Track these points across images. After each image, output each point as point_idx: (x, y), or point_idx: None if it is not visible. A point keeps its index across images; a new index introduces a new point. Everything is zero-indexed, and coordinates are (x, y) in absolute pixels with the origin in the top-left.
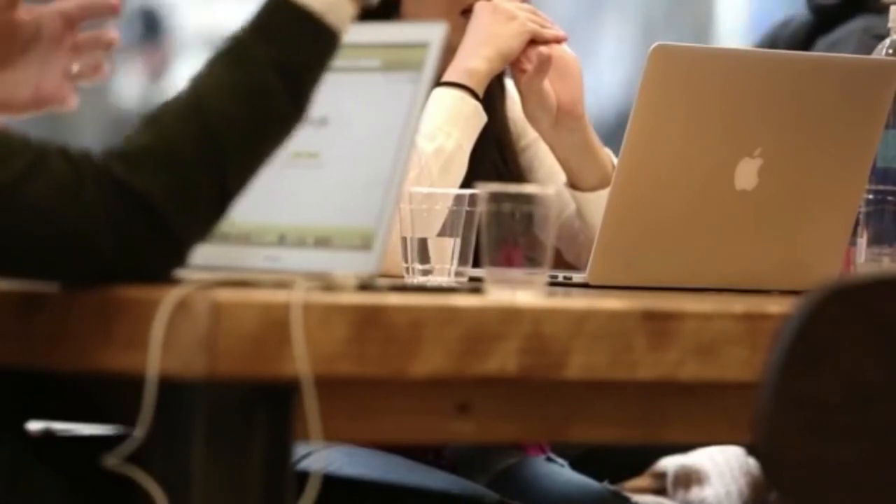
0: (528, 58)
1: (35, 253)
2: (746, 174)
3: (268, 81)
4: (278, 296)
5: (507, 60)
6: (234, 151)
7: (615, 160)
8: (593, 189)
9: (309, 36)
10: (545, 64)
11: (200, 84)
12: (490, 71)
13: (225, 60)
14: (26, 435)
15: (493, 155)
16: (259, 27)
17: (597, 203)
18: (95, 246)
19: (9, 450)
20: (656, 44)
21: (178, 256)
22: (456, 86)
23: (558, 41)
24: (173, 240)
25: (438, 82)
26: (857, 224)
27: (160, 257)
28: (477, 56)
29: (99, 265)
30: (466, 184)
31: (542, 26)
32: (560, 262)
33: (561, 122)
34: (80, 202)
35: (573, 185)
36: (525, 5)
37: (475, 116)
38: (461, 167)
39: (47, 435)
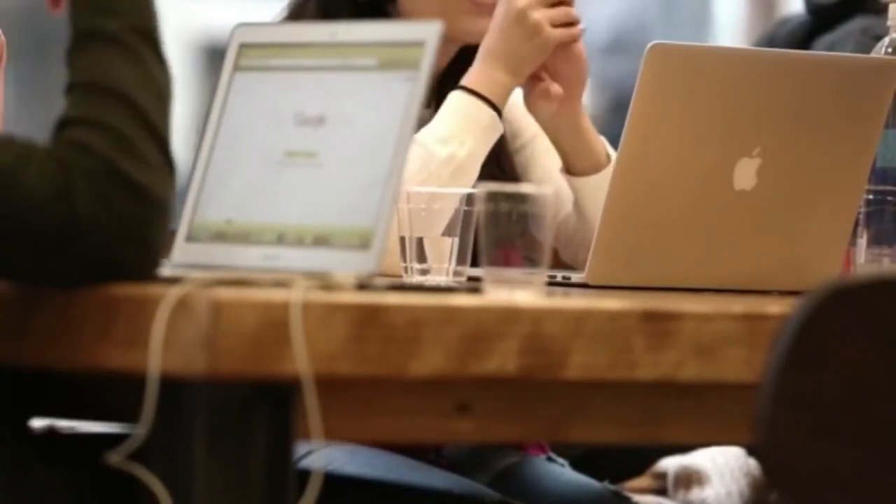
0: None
1: (38, 245)
2: (745, 174)
3: (140, 48)
4: (278, 295)
5: (527, 76)
6: (160, 117)
7: (609, 148)
8: (586, 174)
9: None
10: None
11: (96, 74)
12: (512, 87)
13: (94, 45)
14: (29, 433)
15: (488, 155)
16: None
17: (591, 189)
18: (98, 230)
19: (11, 448)
20: (653, 42)
21: (165, 222)
22: (476, 94)
23: (575, 41)
24: (161, 210)
25: (459, 85)
26: (857, 224)
27: (156, 232)
28: (500, 70)
29: (102, 248)
30: None
31: (566, 23)
32: (556, 263)
33: (560, 113)
34: (74, 190)
35: (568, 169)
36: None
37: (492, 127)
38: (472, 177)
39: (50, 433)
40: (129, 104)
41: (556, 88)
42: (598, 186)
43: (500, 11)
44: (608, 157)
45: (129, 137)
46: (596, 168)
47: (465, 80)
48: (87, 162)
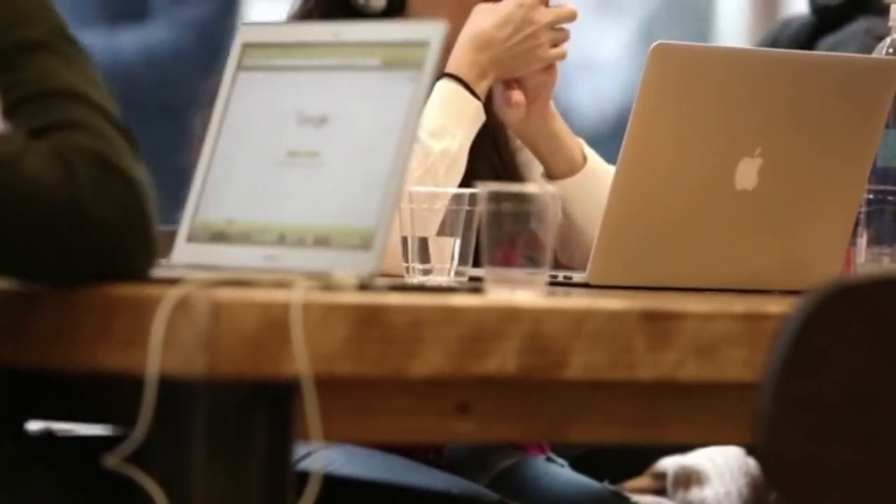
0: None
1: (40, 230)
2: (746, 174)
3: (65, 48)
4: (278, 295)
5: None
6: (115, 110)
7: (586, 149)
8: (563, 177)
9: None
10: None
11: (48, 82)
12: (491, 83)
13: (27, 56)
14: (26, 435)
15: (490, 153)
16: None
17: (571, 190)
18: (97, 215)
19: (8, 450)
20: (656, 42)
21: (156, 214)
22: (462, 82)
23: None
24: (152, 201)
25: (447, 73)
26: (857, 224)
27: (153, 222)
28: (490, 65)
29: (102, 235)
30: (465, 183)
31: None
32: (557, 263)
33: (531, 117)
34: (75, 179)
35: (548, 174)
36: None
37: (477, 117)
38: (462, 168)
39: (47, 435)
40: (88, 103)
41: (518, 96)
42: (577, 187)
43: (514, 13)
44: (585, 157)
45: (107, 134)
46: (573, 170)
47: (452, 66)
48: (80, 156)
